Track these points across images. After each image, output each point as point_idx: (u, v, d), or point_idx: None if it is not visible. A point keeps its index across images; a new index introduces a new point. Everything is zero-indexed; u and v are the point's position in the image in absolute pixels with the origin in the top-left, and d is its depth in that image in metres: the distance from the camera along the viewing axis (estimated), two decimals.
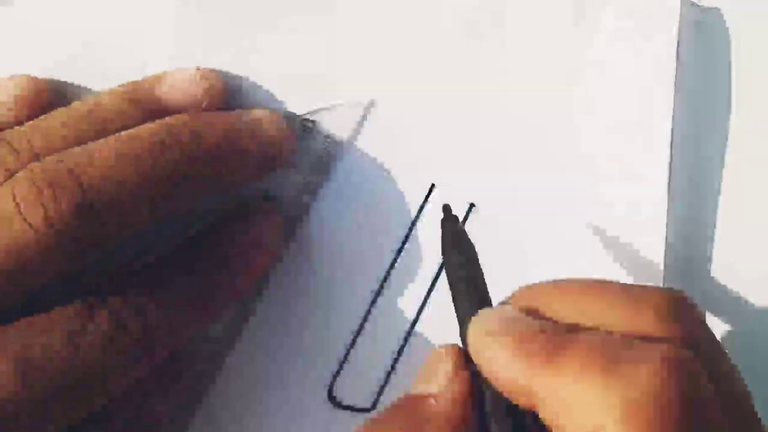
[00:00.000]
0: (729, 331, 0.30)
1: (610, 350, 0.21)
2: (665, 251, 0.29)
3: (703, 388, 0.21)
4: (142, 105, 0.28)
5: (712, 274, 0.30)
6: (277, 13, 0.30)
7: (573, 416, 0.20)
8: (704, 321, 0.24)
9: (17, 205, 0.24)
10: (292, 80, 0.30)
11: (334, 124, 0.30)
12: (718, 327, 0.30)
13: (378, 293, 0.30)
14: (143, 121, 0.27)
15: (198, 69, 0.29)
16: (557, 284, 0.24)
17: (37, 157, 0.26)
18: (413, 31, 0.30)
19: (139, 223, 0.26)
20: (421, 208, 0.30)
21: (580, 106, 0.29)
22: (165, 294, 0.26)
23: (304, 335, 0.30)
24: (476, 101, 0.30)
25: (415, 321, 0.30)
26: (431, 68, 0.30)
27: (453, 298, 0.25)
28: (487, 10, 0.29)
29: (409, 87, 0.30)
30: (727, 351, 0.24)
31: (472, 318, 0.24)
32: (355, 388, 0.29)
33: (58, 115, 0.27)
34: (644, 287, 0.24)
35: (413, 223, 0.30)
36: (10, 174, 0.25)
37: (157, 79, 0.28)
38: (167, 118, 0.27)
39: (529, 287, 0.25)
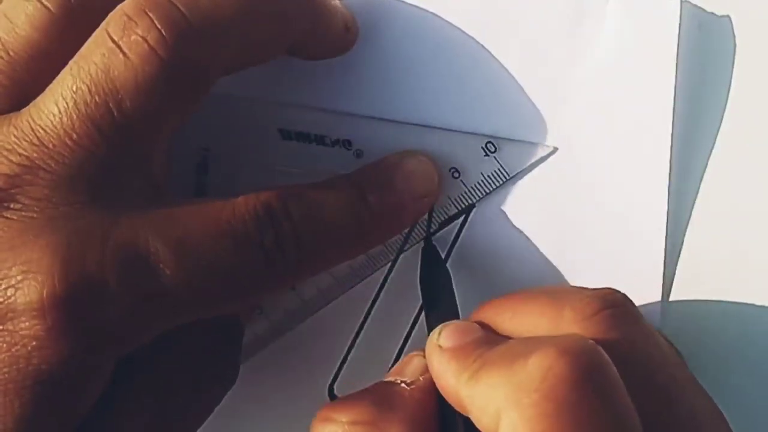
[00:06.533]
0: (730, 330, 0.30)
1: (515, 351, 0.22)
2: (665, 251, 0.29)
3: (599, 372, 0.21)
4: None
5: (713, 274, 0.30)
6: None
7: (484, 414, 0.22)
8: (636, 318, 0.24)
9: (114, 42, 0.24)
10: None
11: (512, 157, 0.30)
12: (718, 327, 0.30)
13: (378, 293, 0.30)
14: None
15: None
16: (501, 300, 0.26)
17: None
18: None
19: (243, 55, 0.25)
20: None
21: (580, 106, 0.29)
22: (324, 215, 0.26)
23: (305, 335, 0.30)
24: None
25: (415, 321, 0.30)
26: None
27: (425, 313, 0.28)
28: (488, 10, 0.29)
29: None
30: (668, 346, 0.25)
31: (432, 331, 0.26)
32: (355, 388, 0.29)
33: None
34: (571, 290, 0.25)
35: (414, 224, 0.30)
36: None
37: None
38: None
39: (485, 303, 0.26)
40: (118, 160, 0.24)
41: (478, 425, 0.22)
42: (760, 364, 0.29)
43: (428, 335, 0.26)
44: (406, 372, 0.26)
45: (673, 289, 0.30)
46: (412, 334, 0.30)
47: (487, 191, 0.30)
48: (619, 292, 0.25)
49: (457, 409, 0.24)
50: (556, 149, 0.30)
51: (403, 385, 0.25)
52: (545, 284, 0.29)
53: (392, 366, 0.29)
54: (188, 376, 0.27)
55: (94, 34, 0.24)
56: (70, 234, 0.23)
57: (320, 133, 0.30)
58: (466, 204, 0.30)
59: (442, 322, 0.26)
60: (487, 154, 0.30)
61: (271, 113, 0.30)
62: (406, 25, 0.30)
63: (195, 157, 0.30)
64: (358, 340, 0.30)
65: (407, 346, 0.30)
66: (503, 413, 0.21)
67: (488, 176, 0.30)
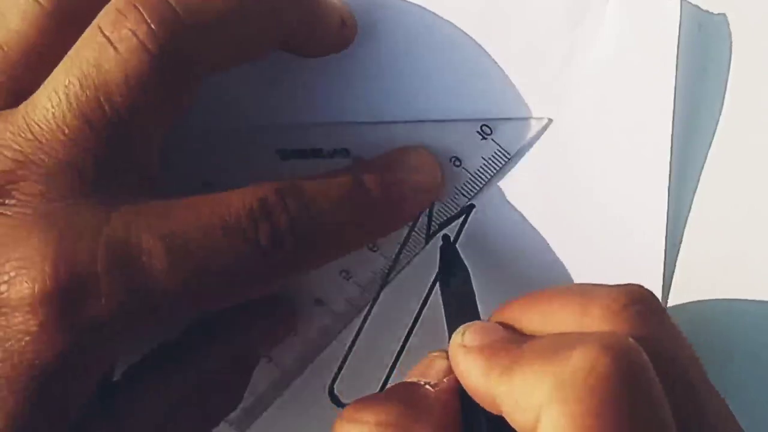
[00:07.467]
0: (729, 330, 0.30)
1: (551, 346, 0.22)
2: (665, 251, 0.29)
3: (641, 371, 0.21)
4: None
5: (713, 274, 0.30)
6: None
7: (521, 409, 0.21)
8: (662, 316, 0.24)
9: (105, 36, 0.24)
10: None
11: (509, 136, 0.30)
12: (718, 326, 0.30)
13: (378, 293, 0.30)
14: None
15: None
16: (524, 299, 0.26)
17: None
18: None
19: (234, 50, 0.25)
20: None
21: (581, 106, 0.29)
22: (322, 206, 0.26)
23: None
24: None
25: (415, 321, 0.30)
26: None
27: (445, 315, 0.27)
28: (487, 10, 0.29)
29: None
30: (689, 345, 0.24)
31: (454, 332, 0.25)
32: (355, 388, 0.29)
33: None
34: (598, 287, 0.25)
35: (413, 224, 0.30)
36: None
37: None
38: None
39: (506, 303, 0.26)
40: (111, 155, 0.24)
41: (511, 422, 0.22)
42: (761, 363, 0.29)
43: (449, 335, 0.26)
44: (430, 373, 0.25)
45: (672, 289, 0.30)
46: (413, 334, 0.30)
47: (491, 174, 0.30)
48: (644, 287, 0.24)
49: (486, 407, 0.23)
50: (550, 120, 0.30)
51: (427, 386, 0.25)
52: (545, 285, 0.29)
53: (392, 366, 0.29)
54: (194, 396, 0.27)
55: (87, 30, 0.24)
56: (62, 230, 0.23)
57: (317, 147, 0.30)
58: (473, 191, 0.30)
59: (464, 321, 0.26)
60: (483, 138, 0.30)
61: (266, 137, 0.30)
62: (396, 25, 0.30)
63: (197, 192, 0.30)
64: (358, 340, 0.30)
65: (408, 345, 0.29)
66: (544, 409, 0.21)
67: (489, 159, 0.30)
